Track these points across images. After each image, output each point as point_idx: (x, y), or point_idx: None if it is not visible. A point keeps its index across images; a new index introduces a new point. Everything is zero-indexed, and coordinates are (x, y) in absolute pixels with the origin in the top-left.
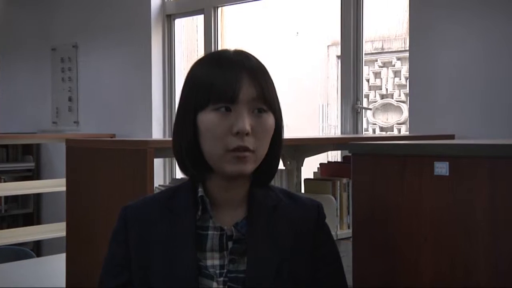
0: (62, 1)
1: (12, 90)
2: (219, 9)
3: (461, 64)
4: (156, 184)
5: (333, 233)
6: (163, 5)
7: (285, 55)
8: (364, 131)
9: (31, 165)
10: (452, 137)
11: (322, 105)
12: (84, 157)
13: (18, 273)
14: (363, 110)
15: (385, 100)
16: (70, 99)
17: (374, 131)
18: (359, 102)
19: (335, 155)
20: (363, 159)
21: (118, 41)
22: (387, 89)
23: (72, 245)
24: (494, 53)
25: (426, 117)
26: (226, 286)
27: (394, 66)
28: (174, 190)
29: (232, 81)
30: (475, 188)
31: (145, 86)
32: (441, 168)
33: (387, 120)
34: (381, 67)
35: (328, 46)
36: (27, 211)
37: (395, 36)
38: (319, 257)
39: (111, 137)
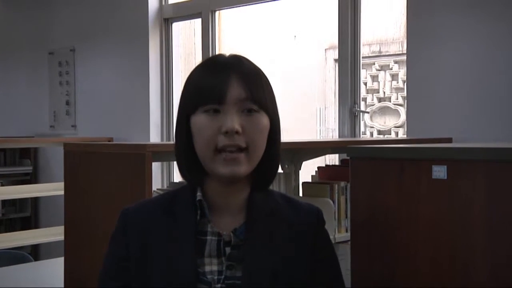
0: (60, 5)
1: (9, 94)
2: (217, 12)
3: (459, 68)
4: (154, 188)
5: (331, 236)
6: (160, 9)
7: (283, 59)
8: (362, 134)
9: (28, 169)
10: (449, 140)
11: (320, 108)
12: (82, 161)
13: (16, 277)
14: (361, 113)
15: (383, 104)
16: (67, 103)
17: (371, 134)
18: (356, 105)
19: (332, 159)
20: (361, 163)
21: (115, 44)
22: (384, 92)
23: (70, 249)
24: (491, 56)
25: (423, 120)
26: None
27: (391, 69)
28: (173, 193)
29: (220, 83)
30: (473, 191)
31: (142, 90)
32: (439, 172)
33: (384, 123)
34: (379, 70)
35: (325, 49)
36: (25, 215)
37: (393, 40)
38: (317, 262)
39: (109, 141)
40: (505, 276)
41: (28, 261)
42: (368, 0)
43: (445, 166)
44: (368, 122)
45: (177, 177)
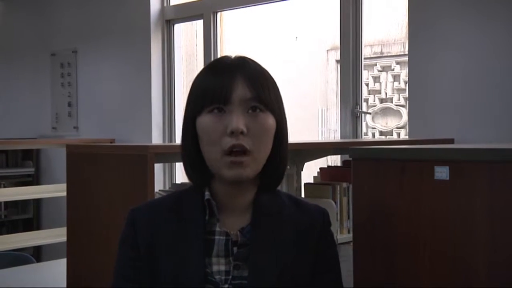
0: (62, 7)
1: (11, 96)
2: (219, 14)
3: (460, 68)
4: (156, 189)
5: None
6: (162, 10)
7: (284, 60)
8: (364, 135)
9: (30, 170)
10: (451, 141)
11: (322, 110)
12: (85, 163)
13: (18, 279)
14: (363, 114)
15: (385, 104)
16: (69, 104)
17: (373, 135)
18: (358, 106)
19: (334, 160)
20: (364, 164)
21: (117, 46)
22: (386, 93)
23: (73, 250)
24: (493, 57)
25: (425, 121)
26: None
27: (393, 70)
28: (180, 194)
29: (225, 83)
30: (475, 192)
31: (144, 91)
32: (442, 173)
33: (386, 124)
34: (380, 71)
35: (327, 50)
36: (27, 216)
37: (394, 40)
38: (320, 262)
39: (111, 142)
40: (507, 276)
41: (31, 262)
42: (370, 1)
43: (447, 167)
44: (370, 123)
45: (179, 178)
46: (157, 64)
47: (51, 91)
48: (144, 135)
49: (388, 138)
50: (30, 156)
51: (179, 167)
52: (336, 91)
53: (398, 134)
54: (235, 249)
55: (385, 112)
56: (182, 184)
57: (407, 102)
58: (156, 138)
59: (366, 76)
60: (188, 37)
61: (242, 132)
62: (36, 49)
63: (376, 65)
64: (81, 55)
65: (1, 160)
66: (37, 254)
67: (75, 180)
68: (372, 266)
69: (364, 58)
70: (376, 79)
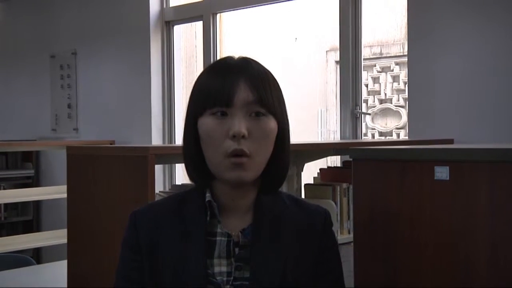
0: (61, 8)
1: (11, 97)
2: (218, 15)
3: (460, 69)
4: (156, 191)
5: None
6: (162, 12)
7: (284, 61)
8: (363, 136)
9: (30, 172)
10: (451, 141)
11: (321, 110)
12: (85, 164)
13: (18, 281)
14: (362, 115)
15: (384, 105)
16: (69, 106)
17: (373, 136)
18: (358, 107)
19: (334, 160)
20: (364, 164)
21: (117, 47)
22: (385, 94)
23: (73, 252)
24: (492, 57)
25: (425, 121)
26: None
27: (392, 71)
28: (181, 195)
29: (228, 85)
30: (475, 192)
31: (144, 92)
32: (442, 173)
33: (386, 125)
34: (380, 72)
35: (326, 51)
36: (27, 218)
37: (394, 41)
38: (319, 264)
39: (111, 144)
40: (507, 276)
41: (31, 264)
42: (369, 2)
43: (447, 167)
44: (370, 124)
45: (179, 180)
46: (157, 66)
47: (50, 92)
48: (144, 136)
49: (388, 138)
50: (30, 158)
51: (179, 168)
52: (335, 92)
53: (398, 135)
54: (236, 250)
55: (385, 112)
56: (183, 185)
57: (407, 102)
58: (156, 139)
59: (365, 77)
60: (187, 38)
61: (243, 136)
62: (35, 50)
63: (375, 66)
64: (80, 57)
65: (1, 162)
66: (37, 256)
67: (75, 181)
68: (372, 267)
69: (364, 59)
70: (376, 79)
